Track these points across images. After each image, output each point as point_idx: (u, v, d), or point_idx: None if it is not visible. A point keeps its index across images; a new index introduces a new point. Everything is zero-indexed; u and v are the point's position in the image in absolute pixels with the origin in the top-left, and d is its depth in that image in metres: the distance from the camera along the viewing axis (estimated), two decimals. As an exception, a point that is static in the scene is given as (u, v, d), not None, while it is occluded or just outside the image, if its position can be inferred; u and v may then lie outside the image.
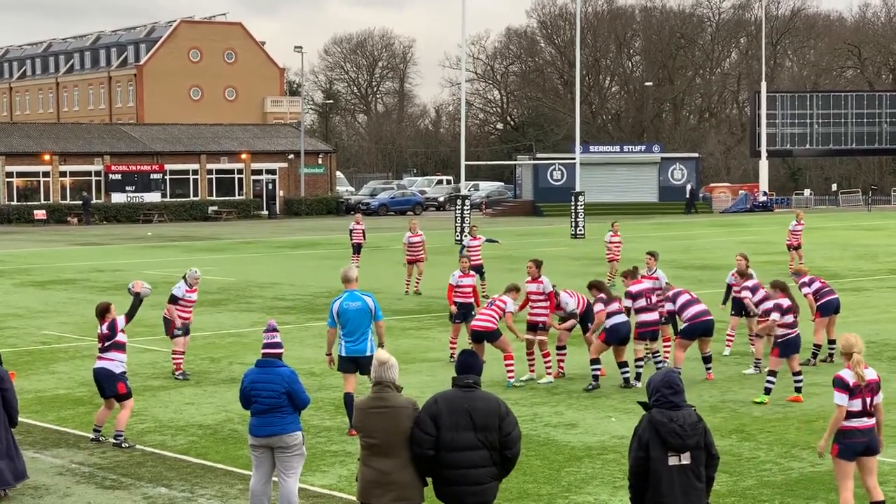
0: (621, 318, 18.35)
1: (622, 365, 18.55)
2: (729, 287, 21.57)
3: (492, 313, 18.64)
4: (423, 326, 25.85)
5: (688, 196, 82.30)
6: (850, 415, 11.03)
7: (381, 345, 14.91)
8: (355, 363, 15.19)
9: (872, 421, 11.15)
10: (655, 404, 8.84)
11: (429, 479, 9.36)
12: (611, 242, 34.74)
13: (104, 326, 15.40)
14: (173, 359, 19.96)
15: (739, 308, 21.08)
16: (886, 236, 54.17)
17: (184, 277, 19.97)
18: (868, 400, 11.08)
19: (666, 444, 8.73)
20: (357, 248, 39.74)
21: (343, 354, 15.24)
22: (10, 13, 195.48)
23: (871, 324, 24.64)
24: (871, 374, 11.18)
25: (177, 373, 19.74)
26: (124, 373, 15.41)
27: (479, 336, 18.45)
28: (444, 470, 9.12)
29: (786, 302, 17.58)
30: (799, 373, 17.55)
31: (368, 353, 14.95)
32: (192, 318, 20.28)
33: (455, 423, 9.07)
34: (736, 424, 15.92)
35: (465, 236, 30.62)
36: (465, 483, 9.08)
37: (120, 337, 15.38)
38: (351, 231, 39.86)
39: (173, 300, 19.74)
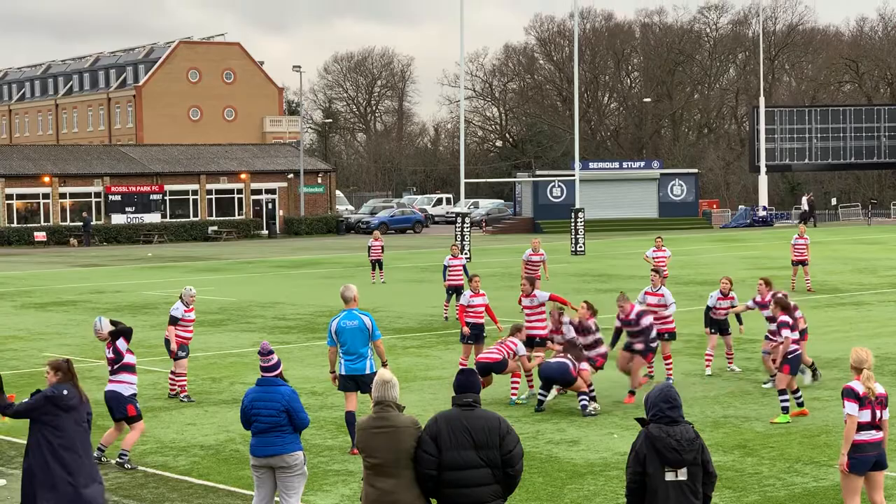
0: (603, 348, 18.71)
1: (582, 393, 18.07)
2: (708, 308, 21.51)
3: (499, 348, 18.55)
4: (423, 345, 25.83)
5: (807, 208, 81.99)
6: (861, 427, 11.07)
7: (383, 363, 14.90)
8: (355, 382, 15.18)
9: (881, 434, 11.18)
10: (653, 419, 8.80)
11: (433, 500, 9.33)
12: (655, 258, 32.57)
13: (109, 351, 15.47)
14: (173, 380, 19.92)
15: (718, 326, 21.32)
16: (886, 250, 54.16)
17: (181, 297, 19.96)
18: (878, 413, 11.12)
19: (663, 460, 8.69)
20: (377, 265, 40.58)
21: (343, 373, 15.23)
22: (8, 35, 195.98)
23: (871, 338, 24.61)
24: (880, 388, 11.27)
25: (182, 395, 19.72)
26: (134, 395, 15.41)
27: (486, 368, 18.32)
28: (446, 489, 9.10)
29: (789, 319, 17.62)
30: (797, 389, 17.55)
31: (368, 372, 14.95)
32: (193, 337, 20.25)
33: (456, 442, 9.05)
34: (738, 440, 15.91)
35: (447, 256, 30.60)
36: (467, 502, 9.05)
37: (128, 359, 15.43)
38: (369, 248, 40.81)
39: (173, 321, 19.73)
